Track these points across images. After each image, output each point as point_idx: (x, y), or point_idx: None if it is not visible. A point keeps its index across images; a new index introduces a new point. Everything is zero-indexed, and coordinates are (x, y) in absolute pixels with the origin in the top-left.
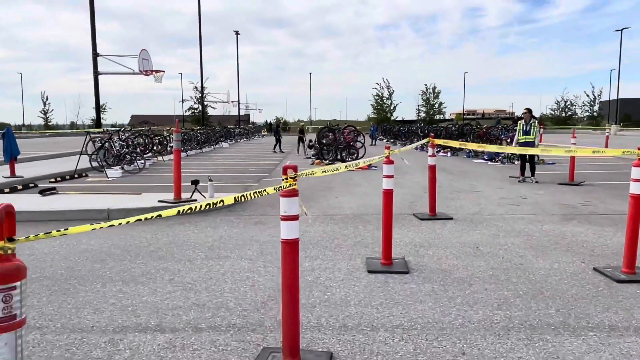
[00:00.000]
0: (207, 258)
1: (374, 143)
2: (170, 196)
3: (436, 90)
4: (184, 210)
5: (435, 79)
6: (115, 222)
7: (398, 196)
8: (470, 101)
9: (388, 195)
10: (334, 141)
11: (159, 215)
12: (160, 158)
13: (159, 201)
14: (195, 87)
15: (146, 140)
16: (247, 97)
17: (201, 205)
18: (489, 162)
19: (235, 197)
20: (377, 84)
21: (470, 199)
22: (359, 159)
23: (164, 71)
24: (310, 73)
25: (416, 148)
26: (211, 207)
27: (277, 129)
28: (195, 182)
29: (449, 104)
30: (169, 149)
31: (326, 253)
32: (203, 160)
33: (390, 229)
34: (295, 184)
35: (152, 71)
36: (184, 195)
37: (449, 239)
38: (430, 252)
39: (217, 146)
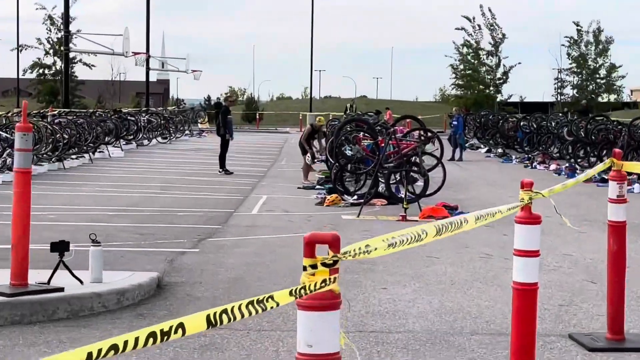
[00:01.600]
0: None
1: (458, 157)
2: (4, 276)
3: (603, 36)
4: None
5: (597, 13)
6: None
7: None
8: None
9: (527, 309)
10: (372, 152)
11: None
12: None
13: None
14: (51, 19)
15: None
16: (164, 43)
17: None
18: None
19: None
20: (466, 18)
21: None
22: (425, 193)
23: None
24: None
25: (592, 179)
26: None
27: (225, 115)
28: (60, 248)
29: (630, 68)
30: None
31: None
32: (70, 189)
33: None
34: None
35: None
36: (37, 277)
37: None
38: None
39: (96, 154)
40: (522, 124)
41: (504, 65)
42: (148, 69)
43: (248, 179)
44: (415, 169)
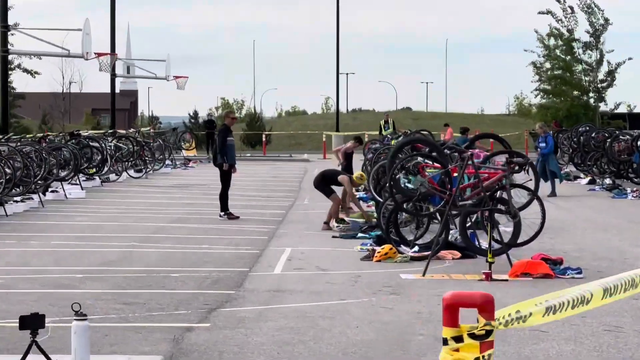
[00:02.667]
0: None
1: (550, 191)
2: None
3: None
4: None
5: None
6: None
7: None
8: None
9: None
10: (440, 186)
11: None
12: None
13: None
14: None
15: None
16: (129, 41)
17: None
18: None
19: None
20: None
21: None
22: (516, 242)
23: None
24: None
25: None
26: None
27: (224, 137)
28: (32, 324)
29: None
30: None
31: None
32: (18, 244)
33: None
34: None
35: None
36: None
37: None
38: None
39: (48, 194)
40: (639, 143)
41: (607, 63)
42: (114, 76)
43: (261, 225)
44: (502, 207)
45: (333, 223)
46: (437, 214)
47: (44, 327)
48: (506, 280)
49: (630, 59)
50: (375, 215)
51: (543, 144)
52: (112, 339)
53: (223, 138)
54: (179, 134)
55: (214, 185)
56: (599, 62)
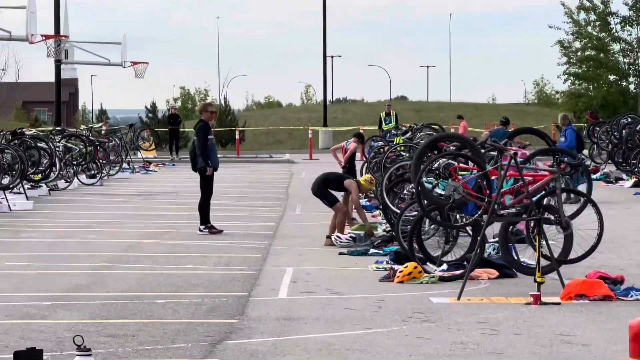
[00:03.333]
0: None
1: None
2: None
3: None
4: None
5: None
6: None
7: None
8: None
9: None
10: (477, 191)
11: None
12: None
13: None
14: None
15: None
16: (67, 18)
17: None
18: None
19: None
20: None
21: None
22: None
23: None
24: None
25: None
26: None
27: (204, 135)
28: None
29: None
30: None
31: None
32: None
33: None
34: None
35: None
36: None
37: None
38: None
39: None
40: None
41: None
42: (59, 62)
43: (250, 240)
44: (551, 217)
45: (334, 237)
46: (468, 226)
47: None
48: (559, 303)
49: None
50: (378, 227)
51: (562, 139)
52: None
53: (204, 137)
54: (137, 132)
55: (184, 193)
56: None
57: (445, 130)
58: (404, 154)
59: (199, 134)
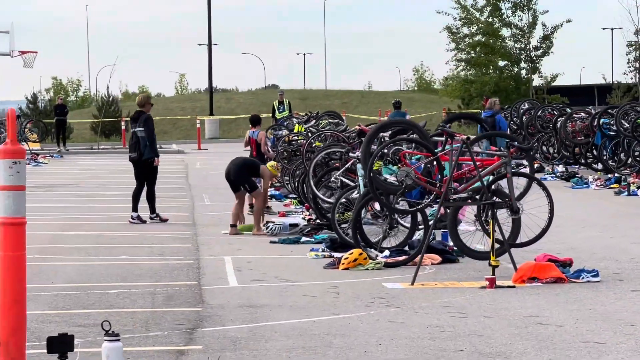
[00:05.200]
0: None
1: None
2: None
3: None
4: None
5: None
6: None
7: None
8: None
9: None
10: (426, 175)
11: None
12: None
13: None
14: None
15: None
16: None
17: None
18: None
19: None
20: None
21: None
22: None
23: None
24: None
25: None
26: None
27: (151, 127)
28: (60, 346)
29: None
30: None
31: None
32: None
33: None
34: None
35: None
36: None
37: None
38: None
39: None
40: (602, 121)
41: (543, 26)
42: None
43: (172, 230)
44: (499, 200)
45: (262, 225)
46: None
47: (73, 350)
48: (513, 286)
49: (569, 21)
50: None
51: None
52: None
53: (151, 129)
54: (23, 123)
55: (83, 185)
56: (532, 25)
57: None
58: (315, 143)
59: (147, 125)
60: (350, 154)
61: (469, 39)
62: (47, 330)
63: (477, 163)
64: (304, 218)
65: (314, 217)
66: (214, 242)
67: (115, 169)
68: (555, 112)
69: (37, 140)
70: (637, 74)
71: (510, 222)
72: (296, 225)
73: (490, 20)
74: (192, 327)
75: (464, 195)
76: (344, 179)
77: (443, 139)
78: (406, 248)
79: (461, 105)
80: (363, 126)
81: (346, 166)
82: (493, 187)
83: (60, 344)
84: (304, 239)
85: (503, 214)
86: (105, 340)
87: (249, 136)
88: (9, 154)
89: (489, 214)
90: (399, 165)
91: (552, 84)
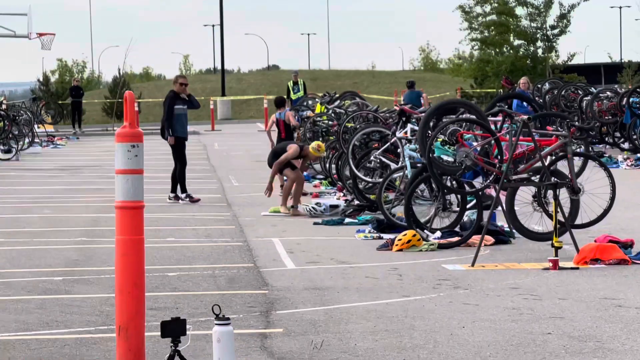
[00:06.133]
0: None
1: None
2: None
3: None
4: None
5: None
6: None
7: None
8: None
9: None
10: (484, 156)
11: None
12: None
13: None
14: None
15: None
16: None
17: None
18: None
19: None
20: None
21: None
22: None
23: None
24: None
25: None
26: None
27: (170, 104)
28: (174, 330)
29: None
30: None
31: None
32: None
33: None
34: None
35: None
36: None
37: None
38: None
39: None
40: (631, 100)
41: (560, 5)
42: None
43: (211, 211)
44: (559, 181)
45: (310, 207)
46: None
47: (185, 334)
48: (577, 268)
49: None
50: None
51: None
52: (196, 351)
53: (169, 107)
54: (39, 105)
55: (107, 166)
56: (548, 4)
57: (364, 98)
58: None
59: (165, 104)
60: (398, 135)
61: (482, 18)
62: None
63: (539, 143)
64: (338, 199)
65: (349, 198)
66: (256, 223)
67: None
68: (579, 91)
69: (52, 122)
70: None
71: (569, 202)
72: (337, 206)
73: None
74: (265, 310)
75: (524, 175)
76: (384, 159)
77: (499, 118)
78: (456, 229)
79: (474, 85)
80: (405, 106)
81: (385, 146)
82: (553, 168)
83: (174, 328)
84: (347, 220)
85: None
86: (216, 324)
87: (277, 118)
88: (128, 137)
89: (546, 195)
90: (456, 145)
91: (570, 63)
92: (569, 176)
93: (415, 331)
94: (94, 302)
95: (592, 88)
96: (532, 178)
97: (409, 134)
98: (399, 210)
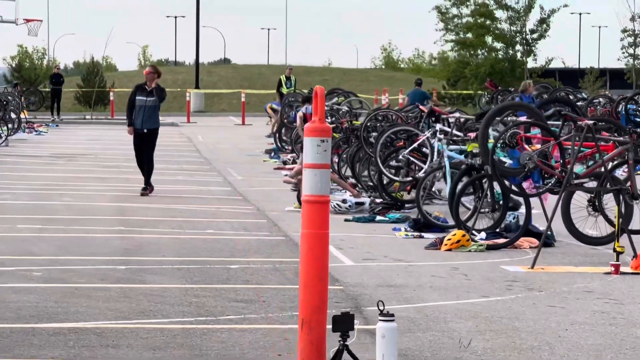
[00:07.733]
0: None
1: None
2: None
3: None
4: None
5: None
6: None
7: None
8: None
9: None
10: (545, 159)
11: None
12: None
13: None
14: None
15: None
16: None
17: None
18: None
19: None
20: None
21: None
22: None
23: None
24: None
25: None
26: None
27: (132, 94)
28: (344, 325)
29: None
30: None
31: None
32: None
33: None
34: None
35: None
36: None
37: None
38: None
39: None
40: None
41: (540, 9)
42: None
43: (232, 205)
44: (622, 187)
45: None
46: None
47: (353, 330)
48: (638, 273)
49: (566, 5)
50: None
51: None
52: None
53: (129, 98)
54: (23, 92)
55: (100, 155)
56: (529, 8)
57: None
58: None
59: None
60: (427, 134)
61: (458, 19)
62: (211, 304)
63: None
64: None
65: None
66: (286, 218)
67: (122, 140)
68: (571, 96)
69: (33, 109)
70: (631, 61)
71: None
72: (362, 204)
73: (485, 1)
74: (354, 307)
75: (585, 180)
76: (412, 158)
77: (558, 122)
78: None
79: (446, 86)
80: (436, 107)
81: (413, 145)
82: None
83: (344, 322)
84: (378, 217)
85: (612, 200)
86: (380, 320)
87: (304, 113)
88: (317, 132)
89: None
90: (517, 148)
91: (548, 67)
92: (630, 182)
93: (520, 332)
94: (175, 293)
95: (583, 93)
96: (589, 183)
97: (438, 134)
98: (436, 210)
